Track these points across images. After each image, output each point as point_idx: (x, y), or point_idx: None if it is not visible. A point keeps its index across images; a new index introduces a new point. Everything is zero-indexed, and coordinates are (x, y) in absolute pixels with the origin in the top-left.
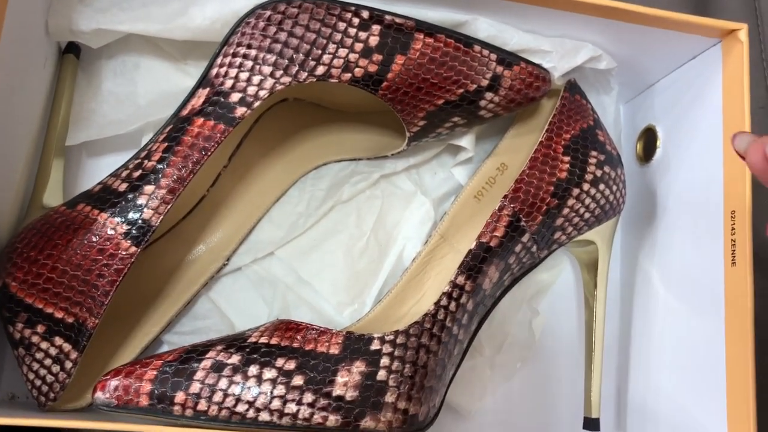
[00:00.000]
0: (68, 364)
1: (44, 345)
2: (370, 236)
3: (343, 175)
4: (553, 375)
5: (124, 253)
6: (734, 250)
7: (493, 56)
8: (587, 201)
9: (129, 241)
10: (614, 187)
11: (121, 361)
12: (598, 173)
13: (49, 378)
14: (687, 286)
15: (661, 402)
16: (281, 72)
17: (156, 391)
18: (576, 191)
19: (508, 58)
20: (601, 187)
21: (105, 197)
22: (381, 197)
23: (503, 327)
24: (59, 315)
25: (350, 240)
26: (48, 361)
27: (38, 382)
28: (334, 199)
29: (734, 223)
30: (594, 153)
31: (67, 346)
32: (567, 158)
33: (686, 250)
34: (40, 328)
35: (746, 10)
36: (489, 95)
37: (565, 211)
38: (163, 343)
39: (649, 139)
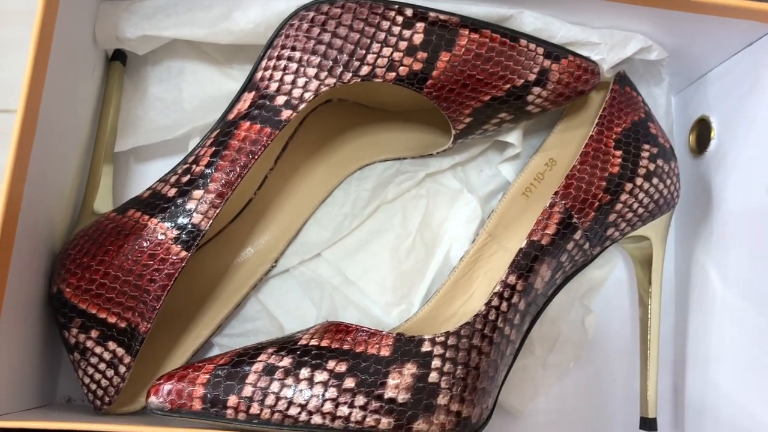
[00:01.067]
0: (122, 369)
1: (98, 350)
2: (416, 236)
3: (387, 174)
4: (607, 374)
5: (174, 257)
6: None
7: (540, 50)
8: (640, 196)
9: (179, 246)
10: (668, 181)
11: (173, 364)
12: (651, 167)
13: (104, 382)
14: (747, 281)
15: (721, 401)
16: (326, 73)
17: (209, 395)
18: (629, 186)
19: (555, 52)
20: (655, 181)
21: (155, 203)
22: (426, 196)
23: (555, 326)
24: (112, 320)
25: (396, 240)
26: (102, 366)
27: (93, 386)
28: (379, 199)
29: None
30: (646, 146)
31: (120, 351)
32: (619, 152)
33: (744, 243)
34: (94, 333)
35: None
36: (537, 90)
37: (618, 206)
38: (214, 345)
39: (702, 131)
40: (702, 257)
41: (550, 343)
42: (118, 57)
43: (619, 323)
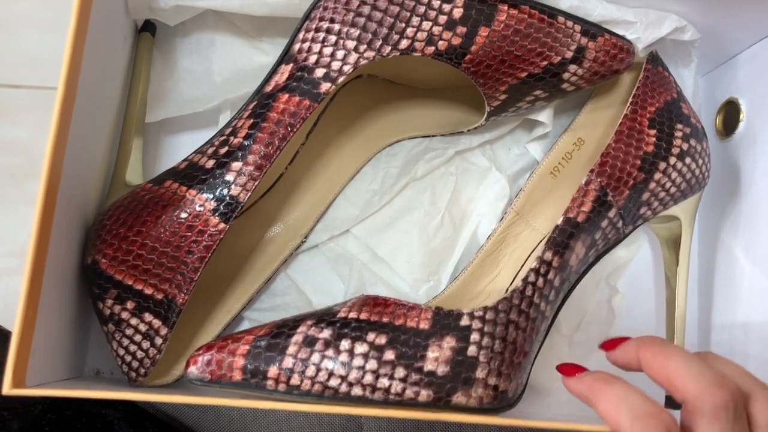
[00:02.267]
0: (158, 340)
1: (134, 321)
2: (445, 213)
3: (416, 152)
4: None
5: (212, 229)
6: None
7: (577, 27)
8: (674, 175)
9: (218, 218)
10: (700, 161)
11: (205, 338)
12: (685, 146)
13: (140, 354)
14: None
15: None
16: (365, 46)
17: (249, 366)
18: (663, 165)
19: (592, 30)
20: (688, 160)
21: (192, 174)
22: (455, 174)
23: (581, 305)
24: (149, 291)
25: (425, 217)
26: (138, 337)
27: (128, 358)
28: (408, 176)
29: None
30: (680, 126)
31: (156, 322)
32: (653, 131)
33: None
34: (129, 305)
35: None
36: (573, 68)
37: (652, 185)
38: (244, 319)
39: (729, 113)
40: (729, 238)
41: (576, 322)
42: (148, 28)
43: (644, 304)
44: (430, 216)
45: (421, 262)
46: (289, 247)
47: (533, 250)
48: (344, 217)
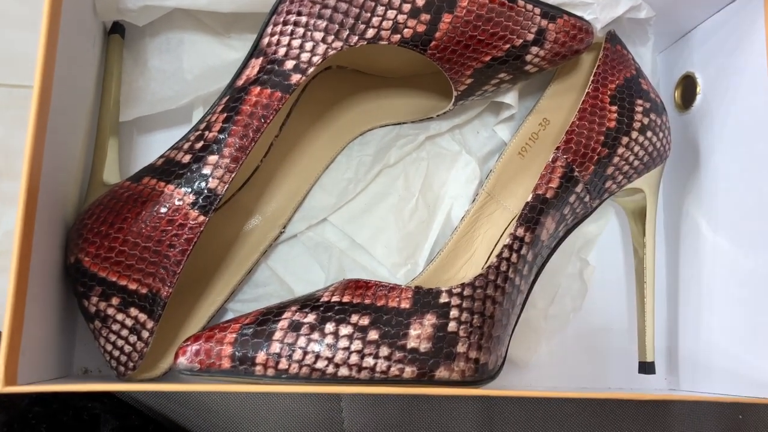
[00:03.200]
0: (145, 334)
1: (120, 316)
2: (419, 197)
3: (388, 139)
4: (606, 323)
5: (193, 222)
6: None
7: (537, 10)
8: (636, 149)
9: (197, 211)
10: (660, 134)
11: (190, 330)
12: (645, 121)
13: (127, 348)
14: (737, 229)
15: (712, 346)
16: (332, 37)
17: (237, 353)
18: (625, 139)
19: (551, 12)
20: (649, 134)
21: (169, 169)
22: (427, 159)
23: (554, 279)
24: (133, 286)
25: (399, 202)
26: (125, 332)
27: (116, 353)
28: (381, 163)
29: None
30: (640, 101)
31: (142, 317)
32: (614, 107)
33: (732, 193)
34: (114, 301)
35: None
36: (535, 49)
37: (616, 159)
38: (228, 311)
39: (687, 87)
40: (692, 208)
41: (551, 296)
42: (117, 30)
43: (615, 275)
44: (404, 201)
45: (398, 246)
46: (268, 238)
47: (506, 229)
48: (321, 206)
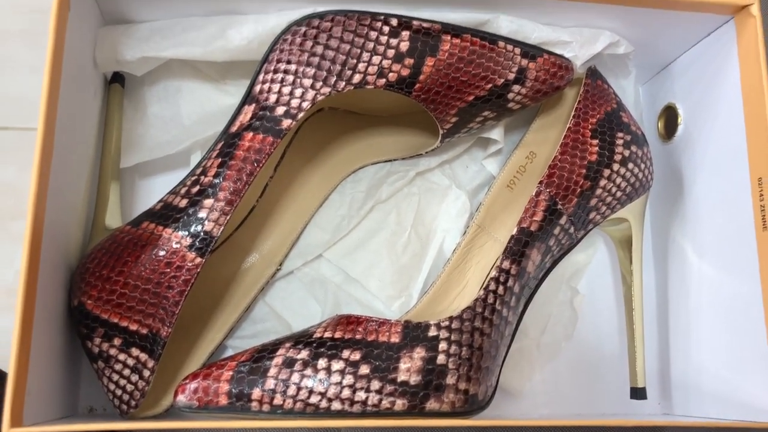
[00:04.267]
0: (146, 373)
1: (122, 356)
2: (411, 231)
3: (380, 176)
4: (598, 350)
5: (190, 264)
6: (764, 215)
7: (517, 50)
8: (618, 180)
9: (194, 253)
10: (642, 165)
11: (191, 368)
12: (626, 153)
13: (130, 387)
14: (721, 254)
15: (702, 369)
16: (321, 83)
17: (234, 390)
18: (607, 172)
19: (531, 51)
20: (630, 165)
21: (167, 214)
22: (418, 194)
23: (545, 308)
24: (134, 327)
25: (392, 237)
26: (127, 372)
27: (119, 392)
28: (373, 199)
29: (762, 190)
30: (620, 134)
31: (143, 356)
32: (595, 141)
33: (715, 219)
34: (117, 341)
35: None
36: (516, 88)
37: (598, 191)
38: (227, 348)
39: (669, 117)
40: (678, 235)
41: (542, 326)
42: (117, 79)
43: (605, 302)
44: (397, 235)
45: (392, 279)
46: (265, 275)
47: (497, 260)
48: (316, 243)
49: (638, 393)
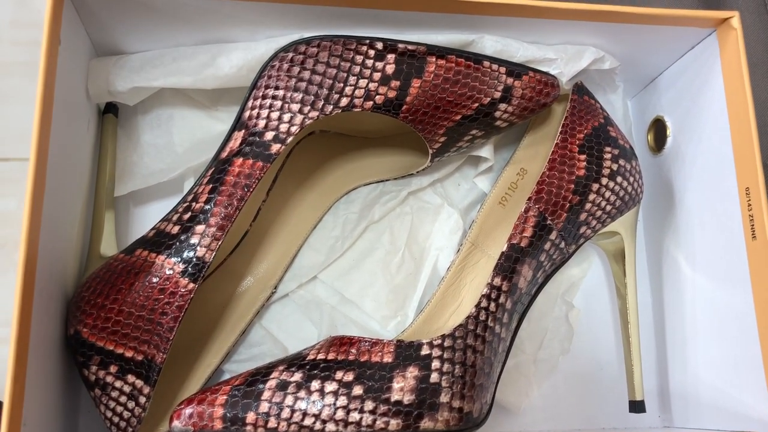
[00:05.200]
0: (142, 399)
1: (118, 383)
2: (405, 251)
3: (372, 196)
4: (595, 364)
5: (183, 290)
6: (753, 225)
7: (503, 69)
8: (607, 194)
9: (187, 279)
10: (631, 179)
11: (188, 392)
12: (614, 167)
13: (126, 414)
14: (713, 265)
15: (700, 380)
16: (309, 107)
17: (228, 414)
18: (596, 186)
19: (516, 69)
20: (619, 179)
21: (160, 241)
22: (411, 213)
23: (541, 324)
24: (129, 354)
25: (386, 256)
26: (123, 398)
27: (116, 419)
28: (366, 220)
29: (750, 200)
30: (608, 148)
31: (139, 383)
32: (583, 156)
33: (707, 230)
34: (113, 368)
35: (755, 3)
36: (503, 106)
37: (588, 206)
38: (224, 372)
39: (658, 130)
40: (671, 247)
41: (539, 341)
42: (110, 110)
43: (601, 316)
44: (391, 255)
45: (387, 299)
46: (260, 299)
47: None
48: (310, 265)
49: (637, 406)
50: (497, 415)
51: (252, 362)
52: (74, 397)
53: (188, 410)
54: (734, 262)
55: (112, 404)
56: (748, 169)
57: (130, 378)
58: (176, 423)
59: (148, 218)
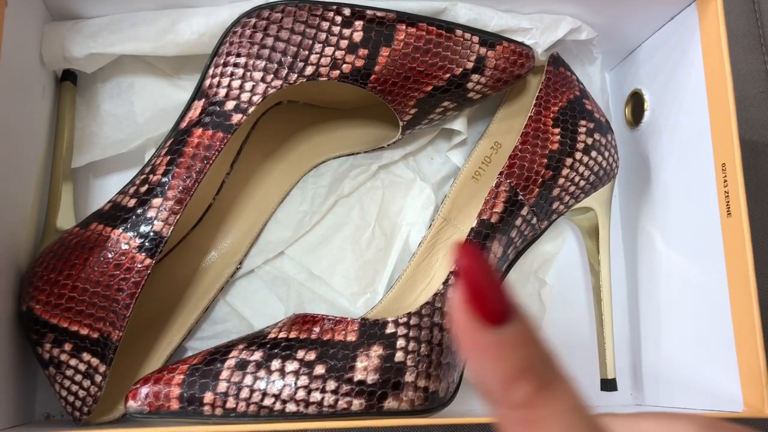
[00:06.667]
0: (98, 378)
1: (73, 362)
2: (375, 226)
3: (342, 170)
4: (567, 342)
5: (139, 265)
6: (728, 202)
7: (476, 39)
8: (581, 169)
9: (143, 254)
10: (606, 153)
11: (148, 370)
12: (589, 141)
13: (81, 393)
14: (687, 241)
15: (673, 359)
16: (272, 76)
17: (185, 394)
18: (569, 161)
19: (490, 39)
20: (593, 154)
21: (116, 214)
22: (382, 187)
23: None
24: (84, 332)
25: (356, 232)
26: (78, 377)
27: (71, 398)
28: (336, 194)
29: (726, 176)
30: (583, 122)
31: (95, 361)
32: (557, 130)
33: (683, 206)
34: (67, 346)
35: None
36: (475, 77)
37: (561, 181)
38: (187, 349)
39: (636, 103)
40: (647, 223)
41: None
42: (68, 77)
43: (574, 293)
44: (361, 230)
45: (357, 275)
46: (224, 274)
47: None
48: (277, 240)
49: (608, 384)
50: (468, 394)
51: (216, 339)
52: (30, 374)
53: (144, 390)
54: (709, 239)
55: (67, 383)
56: (724, 145)
57: (86, 356)
58: (131, 403)
59: (107, 190)
